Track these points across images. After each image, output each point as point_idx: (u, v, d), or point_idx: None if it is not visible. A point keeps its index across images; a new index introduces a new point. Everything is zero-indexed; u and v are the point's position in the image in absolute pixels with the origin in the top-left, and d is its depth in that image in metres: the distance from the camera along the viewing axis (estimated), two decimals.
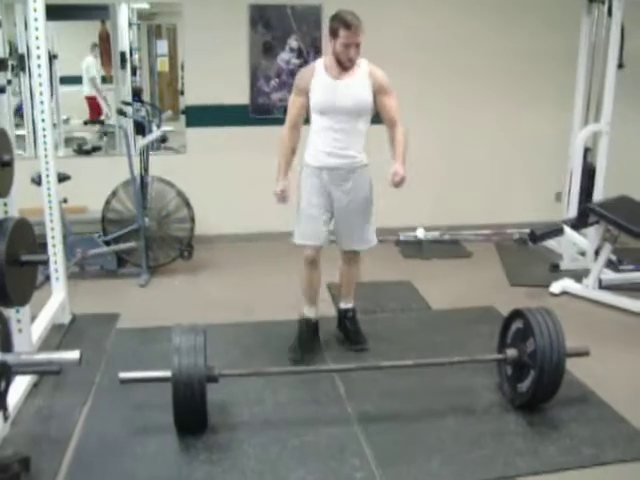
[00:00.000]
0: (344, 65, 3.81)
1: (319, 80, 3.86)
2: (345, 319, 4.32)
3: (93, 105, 7.24)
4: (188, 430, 3.24)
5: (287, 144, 4.10)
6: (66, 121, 7.05)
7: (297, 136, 4.10)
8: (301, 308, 4.24)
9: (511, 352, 3.51)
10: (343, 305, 4.34)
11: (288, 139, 4.09)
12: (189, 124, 6.48)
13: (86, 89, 7.19)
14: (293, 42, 6.33)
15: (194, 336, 3.22)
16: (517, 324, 3.57)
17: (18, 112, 6.57)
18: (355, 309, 4.34)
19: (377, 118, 3.96)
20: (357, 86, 3.85)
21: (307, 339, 4.16)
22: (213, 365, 3.28)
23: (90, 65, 7.14)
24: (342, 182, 3.96)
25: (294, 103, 4.00)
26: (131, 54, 6.86)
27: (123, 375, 3.29)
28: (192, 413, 3.18)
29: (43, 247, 4.24)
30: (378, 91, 3.88)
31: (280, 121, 6.39)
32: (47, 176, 4.38)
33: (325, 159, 3.94)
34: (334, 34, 3.76)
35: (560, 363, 3.32)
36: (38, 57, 4.16)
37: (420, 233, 6.45)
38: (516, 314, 3.59)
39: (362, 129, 3.93)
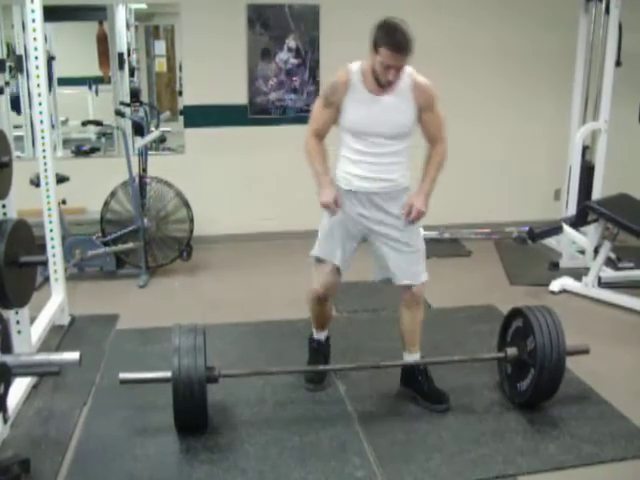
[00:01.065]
0: (380, 84, 3.23)
1: (355, 96, 3.29)
2: (415, 375, 3.62)
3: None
4: (188, 431, 3.24)
5: (317, 149, 3.44)
6: (64, 122, 7.05)
7: (324, 143, 3.48)
8: (308, 324, 3.93)
9: (511, 351, 3.51)
10: (409, 357, 3.64)
11: (316, 144, 3.44)
12: (187, 124, 6.48)
13: None
14: (291, 42, 6.33)
15: (194, 336, 3.22)
16: (517, 322, 3.56)
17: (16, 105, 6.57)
18: (424, 358, 3.69)
19: None
20: (398, 108, 3.29)
21: (324, 362, 3.83)
22: (213, 365, 3.28)
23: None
24: (379, 208, 3.42)
25: (321, 114, 3.41)
26: (129, 55, 6.86)
27: (123, 376, 3.28)
28: (192, 414, 3.17)
29: (42, 248, 4.24)
30: (422, 108, 3.33)
31: (278, 121, 6.50)
32: (46, 177, 4.38)
33: (358, 183, 3.39)
34: (375, 48, 3.16)
35: (560, 361, 3.31)
36: (36, 58, 4.15)
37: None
38: (516, 312, 3.59)
39: (403, 149, 3.39)
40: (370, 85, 3.27)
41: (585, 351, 3.55)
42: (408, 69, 3.29)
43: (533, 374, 3.34)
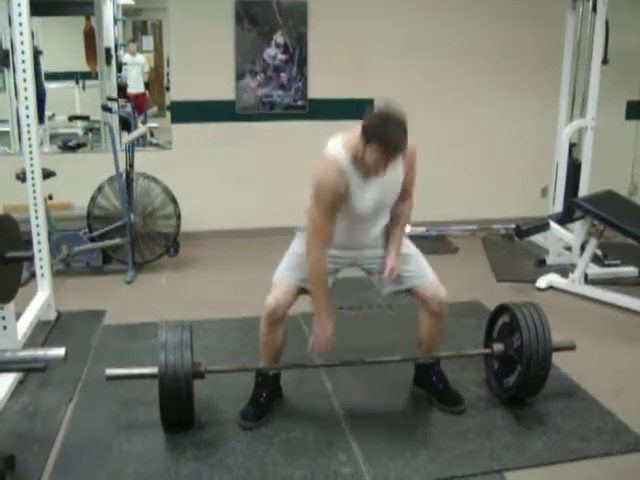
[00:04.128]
0: (369, 172, 3.00)
1: (356, 189, 3.06)
2: (430, 375, 3.56)
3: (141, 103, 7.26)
4: (175, 427, 3.23)
5: (325, 276, 3.20)
6: (51, 117, 7.02)
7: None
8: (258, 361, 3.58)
9: (498, 347, 3.51)
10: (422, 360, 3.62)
11: (325, 270, 3.18)
12: (175, 120, 6.46)
13: (137, 86, 7.17)
14: (279, 38, 6.32)
15: (180, 332, 3.20)
16: (503, 319, 3.56)
17: None
18: (438, 360, 3.59)
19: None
20: (394, 180, 3.15)
21: (266, 400, 3.43)
22: (199, 361, 3.27)
23: (144, 61, 7.15)
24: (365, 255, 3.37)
25: (328, 224, 3.08)
26: (116, 50, 6.84)
27: (109, 372, 3.27)
28: (179, 410, 3.16)
29: (28, 244, 4.22)
30: (407, 169, 3.18)
31: (266, 117, 6.49)
32: (32, 172, 4.35)
33: (337, 252, 3.28)
34: (368, 140, 2.86)
35: (546, 357, 3.32)
36: (22, 53, 4.12)
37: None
38: (502, 309, 3.59)
39: (385, 216, 3.32)
40: (363, 171, 3.02)
41: (571, 347, 3.56)
42: None
43: (520, 370, 3.34)
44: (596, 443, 3.19)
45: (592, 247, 5.06)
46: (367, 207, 3.13)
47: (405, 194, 3.26)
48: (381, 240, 3.36)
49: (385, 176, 3.04)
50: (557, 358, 3.86)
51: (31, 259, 3.41)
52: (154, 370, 3.13)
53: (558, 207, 5.86)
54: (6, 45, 6.35)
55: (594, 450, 3.14)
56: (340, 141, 3.07)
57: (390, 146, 2.85)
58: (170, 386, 3.07)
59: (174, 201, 5.71)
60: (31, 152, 4.30)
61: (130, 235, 5.56)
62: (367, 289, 4.82)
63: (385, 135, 2.84)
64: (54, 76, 6.92)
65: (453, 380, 3.59)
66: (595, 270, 5.37)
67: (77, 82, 7.07)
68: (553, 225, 5.51)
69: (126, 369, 3.33)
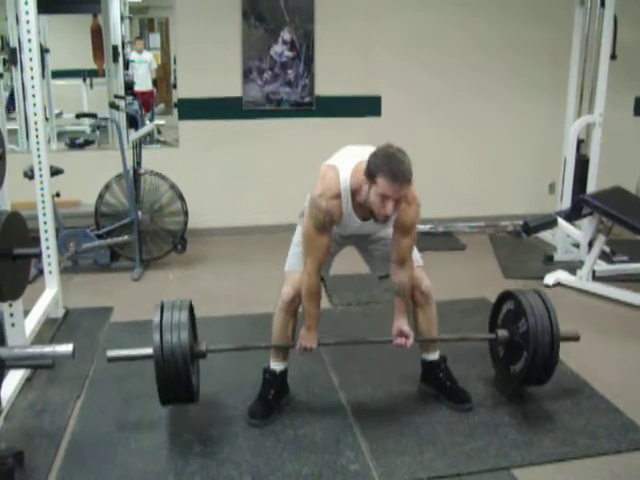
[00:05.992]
0: (374, 217, 3.00)
1: (348, 221, 3.12)
2: (437, 373, 3.56)
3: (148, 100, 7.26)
4: (175, 403, 3.24)
5: (318, 292, 3.22)
6: (58, 115, 7.03)
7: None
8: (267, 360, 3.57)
9: (502, 332, 3.47)
10: (428, 357, 3.58)
11: (318, 287, 3.20)
12: (182, 117, 6.46)
13: (144, 84, 7.17)
14: (286, 34, 6.31)
15: (179, 311, 3.16)
16: (508, 305, 3.53)
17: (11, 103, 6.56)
18: (445, 357, 3.60)
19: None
20: (383, 226, 3.21)
21: (274, 397, 3.43)
22: (201, 341, 3.29)
23: (151, 59, 7.16)
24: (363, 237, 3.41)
25: (320, 242, 3.09)
26: (123, 48, 6.85)
27: (110, 353, 3.26)
28: (177, 392, 3.10)
29: (36, 241, 4.22)
30: (398, 228, 3.15)
31: (273, 114, 6.48)
32: (40, 170, 4.36)
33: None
34: (371, 178, 2.86)
35: (554, 343, 3.27)
36: (30, 51, 4.13)
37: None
38: (506, 296, 3.56)
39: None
40: (359, 211, 3.07)
41: (574, 338, 3.52)
42: None
43: (526, 356, 3.30)
44: (605, 440, 3.17)
45: (600, 244, 5.05)
46: (351, 234, 3.30)
47: (401, 259, 3.21)
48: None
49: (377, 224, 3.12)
50: (564, 355, 3.86)
51: (39, 256, 3.41)
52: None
53: (566, 204, 5.84)
54: (13, 43, 6.37)
55: (602, 447, 3.13)
56: (351, 164, 3.04)
57: (393, 174, 2.80)
58: (167, 367, 3.02)
59: (181, 198, 5.71)
60: (39, 150, 4.31)
61: (137, 232, 5.57)
62: (375, 285, 4.84)
63: (387, 164, 2.82)
64: (61, 74, 6.93)
65: (460, 378, 3.58)
66: (603, 267, 5.35)
67: (84, 80, 7.10)
68: (561, 222, 5.49)
69: (127, 350, 3.32)
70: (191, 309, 3.31)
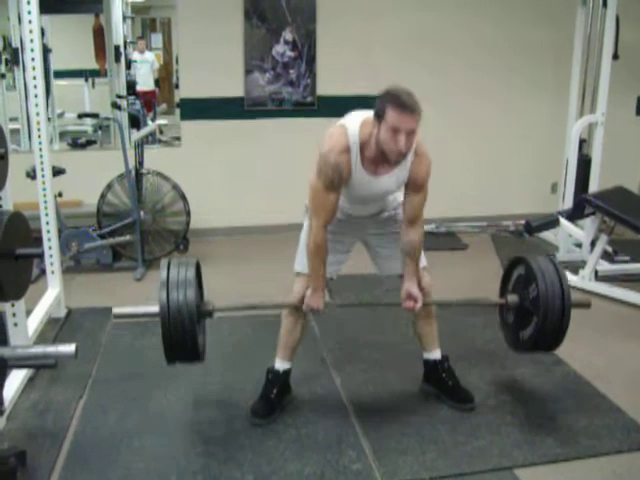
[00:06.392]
0: (387, 158, 2.94)
1: (358, 178, 3.05)
2: (439, 372, 3.55)
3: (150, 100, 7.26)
4: (180, 362, 3.14)
5: (324, 247, 3.12)
6: (60, 115, 7.03)
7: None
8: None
9: (512, 297, 3.39)
10: (429, 356, 3.57)
11: (324, 243, 3.11)
12: (184, 117, 6.46)
13: (146, 83, 7.17)
14: (288, 34, 6.31)
15: (185, 268, 3.09)
16: (519, 271, 3.44)
17: None
18: (447, 357, 3.58)
19: None
20: (395, 183, 3.12)
21: (276, 396, 3.42)
22: (208, 300, 3.24)
23: (153, 59, 7.16)
24: (369, 222, 3.38)
25: (327, 200, 3.06)
26: (125, 47, 6.85)
27: (116, 311, 3.19)
28: (183, 352, 3.03)
29: (38, 241, 4.23)
30: (411, 185, 3.12)
31: (275, 114, 6.48)
32: (42, 170, 4.36)
33: (347, 211, 3.30)
34: (380, 115, 2.87)
35: (565, 309, 3.17)
36: (32, 51, 4.13)
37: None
38: (518, 261, 3.47)
39: (392, 198, 3.32)
40: (369, 166, 3.03)
41: (586, 305, 3.45)
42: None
43: (536, 321, 3.21)
44: (607, 441, 3.18)
45: (602, 243, 5.04)
46: (362, 198, 3.18)
47: (412, 217, 3.19)
48: (388, 215, 3.37)
49: (391, 178, 3.07)
50: (567, 355, 3.88)
51: (41, 256, 3.41)
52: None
53: (568, 203, 5.84)
54: (16, 43, 6.37)
55: (605, 448, 3.13)
56: (359, 120, 3.04)
57: (399, 102, 2.83)
58: (173, 325, 2.95)
59: (184, 198, 5.72)
60: (41, 150, 4.31)
61: (140, 232, 5.57)
62: (377, 285, 4.84)
63: (395, 97, 2.85)
64: (63, 74, 6.93)
65: (462, 377, 3.58)
66: (605, 267, 5.35)
67: (86, 80, 7.09)
68: (563, 221, 5.49)
69: (133, 307, 3.28)
70: (198, 267, 3.21)
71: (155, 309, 2.99)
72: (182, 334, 2.95)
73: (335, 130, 3.06)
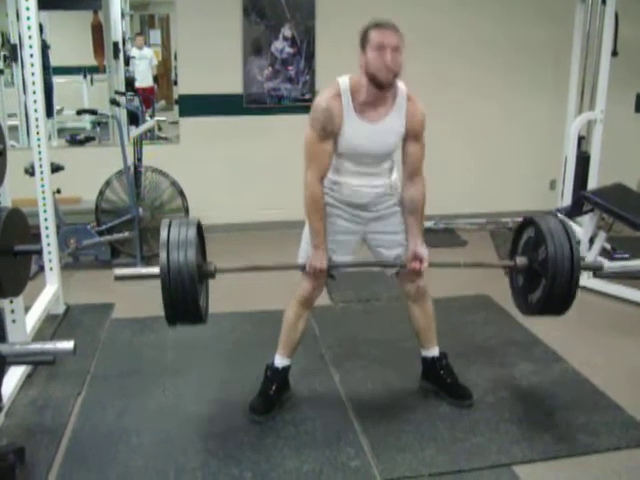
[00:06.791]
0: (378, 80, 2.96)
1: (352, 125, 3.06)
2: (437, 370, 3.55)
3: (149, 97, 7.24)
4: (181, 323, 3.08)
5: (321, 201, 3.14)
6: (59, 111, 7.02)
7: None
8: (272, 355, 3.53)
9: (521, 260, 3.32)
10: (427, 353, 3.56)
11: (320, 195, 3.13)
12: (182, 114, 6.46)
13: (144, 80, 7.15)
14: (287, 31, 6.31)
15: (186, 228, 3.02)
16: (528, 233, 3.36)
17: None
18: (446, 354, 3.58)
19: None
20: (391, 131, 3.12)
21: (275, 393, 3.43)
22: (210, 261, 3.20)
23: (152, 55, 7.14)
24: (371, 210, 3.29)
25: (321, 150, 3.09)
26: (124, 44, 6.83)
27: (118, 272, 3.17)
28: (185, 313, 2.99)
29: (37, 237, 4.23)
30: (410, 135, 3.16)
31: (274, 111, 6.48)
32: (40, 166, 4.36)
33: (348, 187, 3.23)
34: (364, 42, 2.98)
35: (574, 271, 3.09)
36: (30, 47, 4.13)
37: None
38: (527, 222, 3.38)
39: (389, 162, 3.27)
40: (365, 111, 3.06)
41: (598, 268, 3.37)
42: (403, 89, 3.14)
43: (544, 284, 3.15)
44: (605, 437, 3.18)
45: (601, 241, 5.05)
46: (360, 147, 3.11)
47: (412, 171, 3.22)
48: (389, 204, 3.31)
49: (386, 124, 3.09)
50: (566, 352, 3.88)
51: (40, 253, 3.40)
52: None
53: (567, 200, 5.83)
54: (14, 39, 6.36)
55: (603, 444, 3.13)
56: (348, 75, 3.12)
57: (381, 24, 2.98)
58: (173, 284, 2.90)
59: (182, 194, 5.72)
60: (39, 146, 4.31)
61: (138, 229, 5.57)
62: (375, 282, 4.84)
63: (373, 22, 3.01)
64: (62, 70, 6.92)
65: (461, 374, 3.58)
66: (604, 264, 5.34)
67: (85, 76, 7.07)
68: (562, 218, 5.48)
69: (134, 269, 3.26)
70: (199, 227, 3.13)
71: (156, 270, 2.95)
72: (182, 294, 2.90)
73: (326, 87, 3.16)
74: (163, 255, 2.91)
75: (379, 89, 3.00)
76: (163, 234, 2.97)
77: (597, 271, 3.24)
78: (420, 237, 3.24)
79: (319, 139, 3.07)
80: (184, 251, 2.91)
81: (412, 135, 3.16)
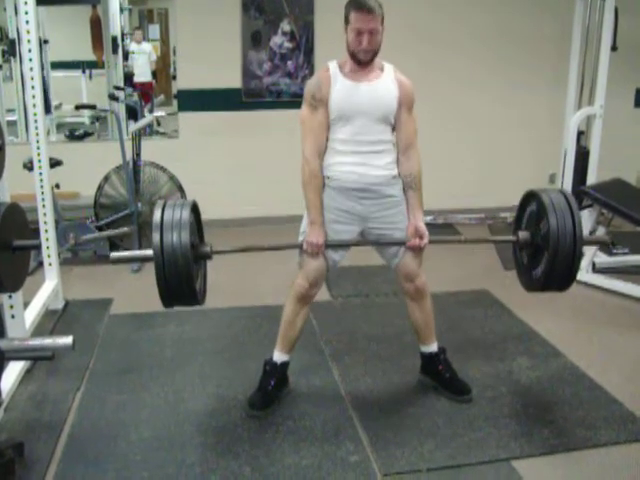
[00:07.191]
0: (357, 58, 3.11)
1: (339, 87, 3.14)
2: (436, 365, 3.54)
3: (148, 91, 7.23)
4: (177, 304, 3.04)
5: (318, 176, 3.18)
6: (58, 106, 7.02)
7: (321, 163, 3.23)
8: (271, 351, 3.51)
9: (523, 234, 3.29)
10: (426, 349, 3.55)
11: (318, 170, 3.17)
12: (181, 108, 6.46)
13: (143, 75, 7.14)
14: (286, 26, 6.30)
15: (180, 209, 2.98)
16: (531, 207, 3.32)
17: None
18: (445, 349, 3.58)
19: None
20: (383, 90, 3.17)
21: (273, 388, 3.42)
22: (207, 242, 3.21)
23: (151, 50, 7.13)
24: (369, 199, 3.24)
25: (315, 122, 3.17)
26: (123, 39, 6.83)
27: (114, 255, 3.11)
28: (179, 297, 2.96)
29: (35, 232, 4.23)
30: (403, 103, 3.20)
31: (273, 105, 6.47)
32: (39, 161, 4.36)
33: (349, 170, 3.19)
34: (346, 19, 3.13)
35: (576, 245, 3.02)
36: (29, 42, 4.13)
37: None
38: (530, 196, 3.34)
39: (388, 139, 3.25)
40: (351, 75, 3.17)
41: (604, 242, 3.32)
42: (390, 66, 3.25)
43: (546, 257, 3.09)
44: (604, 432, 3.18)
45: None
46: (348, 103, 3.15)
47: (406, 144, 3.26)
48: (389, 193, 3.28)
49: (373, 85, 3.17)
50: (564, 347, 3.89)
51: (38, 248, 3.41)
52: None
53: None
54: (12, 34, 6.35)
55: (602, 439, 3.13)
56: (334, 60, 3.29)
57: (360, 4, 3.06)
58: (167, 265, 2.87)
59: (181, 189, 5.72)
60: (38, 141, 4.31)
61: (137, 224, 5.57)
62: (374, 277, 4.84)
63: (358, 2, 3.08)
64: (60, 65, 6.91)
65: (460, 369, 3.58)
66: (603, 259, 5.35)
67: (84, 71, 7.06)
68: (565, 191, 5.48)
69: (129, 252, 3.25)
70: (195, 208, 3.11)
71: (150, 252, 2.92)
72: (176, 275, 2.87)
73: None
74: (156, 236, 2.89)
75: (358, 65, 3.16)
76: (157, 215, 2.95)
77: (603, 245, 3.14)
78: (420, 211, 3.28)
79: (311, 110, 3.19)
80: (177, 232, 2.88)
81: (405, 103, 3.22)
